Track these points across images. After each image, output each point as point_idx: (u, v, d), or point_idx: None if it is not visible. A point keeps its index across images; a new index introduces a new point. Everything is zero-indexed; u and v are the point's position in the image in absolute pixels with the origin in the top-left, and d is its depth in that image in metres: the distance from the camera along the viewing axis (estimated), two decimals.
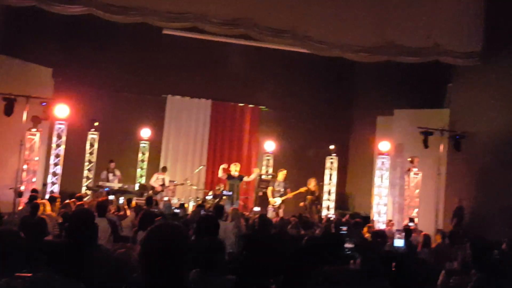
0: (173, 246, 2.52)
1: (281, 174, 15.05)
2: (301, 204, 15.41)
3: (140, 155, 17.08)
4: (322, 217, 14.75)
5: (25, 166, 13.23)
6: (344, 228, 7.18)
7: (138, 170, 17.05)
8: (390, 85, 16.17)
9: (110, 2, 12.36)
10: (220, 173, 14.71)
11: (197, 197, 15.89)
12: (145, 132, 17.03)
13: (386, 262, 5.44)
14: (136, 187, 16.17)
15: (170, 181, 15.87)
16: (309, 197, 15.41)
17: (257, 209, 13.57)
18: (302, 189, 15.03)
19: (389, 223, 13.84)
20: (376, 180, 15.86)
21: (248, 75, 17.69)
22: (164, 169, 15.89)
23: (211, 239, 4.90)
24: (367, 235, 9.96)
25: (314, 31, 13.48)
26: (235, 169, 14.53)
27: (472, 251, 3.98)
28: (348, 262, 5.42)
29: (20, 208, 11.19)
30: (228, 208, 10.67)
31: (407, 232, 10.36)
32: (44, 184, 14.33)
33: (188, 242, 2.63)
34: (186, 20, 13.06)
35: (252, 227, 9.15)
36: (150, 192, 14.90)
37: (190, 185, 16.19)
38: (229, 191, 14.33)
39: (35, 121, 13.40)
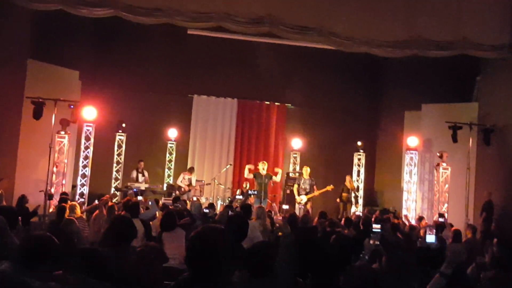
0: (216, 249, 2.64)
1: (305, 171, 15.00)
2: (338, 200, 15.44)
3: (167, 155, 17.19)
4: (350, 215, 14.63)
5: (54, 169, 13.42)
6: (378, 226, 7.06)
7: (166, 170, 17.16)
8: (418, 80, 15.97)
9: (135, 4, 12.43)
10: (246, 173, 14.72)
11: (228, 197, 15.85)
12: (172, 133, 17.13)
13: (419, 258, 5.37)
14: (164, 187, 16.27)
15: (197, 181, 15.92)
16: (344, 194, 15.40)
17: (285, 206, 13.52)
18: (329, 187, 14.99)
19: (420, 219, 13.64)
20: (405, 176, 15.68)
21: (274, 73, 17.62)
22: (191, 170, 15.92)
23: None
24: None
25: (339, 27, 13.34)
26: (262, 167, 14.51)
27: (498, 249, 3.89)
28: (375, 260, 5.36)
29: (51, 210, 11.35)
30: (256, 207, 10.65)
31: (438, 227, 10.24)
32: (74, 186, 14.53)
33: (230, 246, 2.70)
34: (211, 19, 13.05)
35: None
36: (177, 192, 14.96)
37: (218, 184, 16.22)
38: (257, 189, 14.32)
39: (64, 124, 13.58)
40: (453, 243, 9.17)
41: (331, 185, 15.03)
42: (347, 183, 15.62)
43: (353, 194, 16.32)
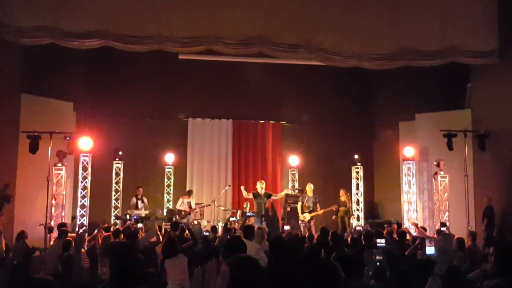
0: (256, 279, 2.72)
1: (309, 188, 15.01)
2: (334, 217, 15.37)
3: (165, 180, 17.18)
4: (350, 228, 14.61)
5: (53, 201, 13.40)
6: (382, 240, 7.03)
7: (165, 195, 17.14)
8: (410, 90, 16.09)
9: (125, 33, 12.52)
10: (245, 194, 14.75)
11: (230, 217, 15.71)
12: (169, 157, 17.14)
13: (421, 271, 5.37)
14: (164, 212, 16.24)
15: (197, 204, 15.90)
16: (341, 208, 15.38)
17: (286, 227, 13.43)
18: (333, 207, 15.06)
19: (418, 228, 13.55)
20: (404, 187, 15.70)
21: (267, 92, 17.75)
22: (189, 193, 15.90)
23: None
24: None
25: (328, 43, 13.45)
26: (261, 187, 14.52)
27: (495, 254, 3.90)
28: (379, 276, 5.34)
29: (51, 243, 11.32)
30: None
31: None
32: (73, 218, 14.49)
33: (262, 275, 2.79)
34: (201, 43, 13.14)
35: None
36: (177, 217, 14.92)
37: (218, 206, 16.21)
38: (257, 209, 14.32)
39: (60, 155, 13.59)
40: (442, 246, 9.19)
41: (335, 205, 15.15)
42: (342, 197, 15.59)
43: (353, 207, 16.32)
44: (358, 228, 13.73)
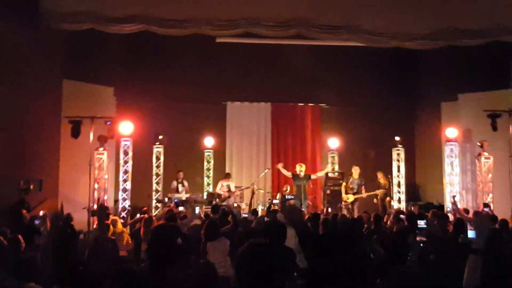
0: (263, 265, 2.63)
1: (355, 171, 14.93)
2: (375, 200, 15.26)
3: (205, 163, 17.28)
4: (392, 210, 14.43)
5: (96, 185, 13.63)
6: (422, 222, 6.88)
7: (205, 178, 17.25)
8: (452, 70, 15.69)
9: (164, 17, 12.58)
10: (284, 172, 14.68)
11: (273, 200, 15.68)
12: (209, 141, 17.22)
13: (461, 256, 5.22)
14: (204, 196, 16.35)
15: (236, 187, 15.94)
16: (381, 191, 15.24)
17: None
18: (378, 191, 14.95)
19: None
20: (446, 168, 15.39)
21: (306, 74, 17.54)
22: (228, 175, 15.95)
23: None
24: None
25: (369, 24, 13.22)
26: (299, 170, 14.45)
27: None
28: (423, 260, 5.24)
29: (94, 226, 11.54)
30: None
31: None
32: (116, 201, 14.73)
33: (278, 259, 2.72)
34: (239, 26, 13.11)
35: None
36: (217, 200, 15.00)
37: (257, 189, 16.21)
38: (296, 192, 14.27)
39: (102, 140, 13.78)
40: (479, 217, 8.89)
41: (381, 190, 15.02)
42: (380, 180, 15.45)
43: (395, 190, 16.12)
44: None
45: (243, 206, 15.09)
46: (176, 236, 4.36)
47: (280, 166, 14.89)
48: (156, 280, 3.81)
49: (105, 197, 13.79)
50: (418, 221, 7.87)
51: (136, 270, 3.82)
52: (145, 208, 11.43)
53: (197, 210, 12.10)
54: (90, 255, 7.53)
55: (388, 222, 10.63)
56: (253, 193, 13.43)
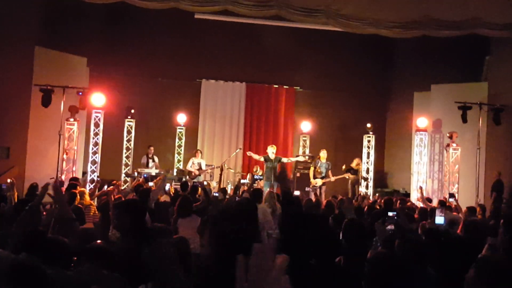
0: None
1: (323, 154, 14.99)
2: (349, 186, 15.42)
3: (177, 140, 17.20)
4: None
5: (65, 156, 13.47)
6: (392, 214, 6.97)
7: (176, 155, 17.19)
8: (427, 60, 15.91)
9: None
10: (256, 156, 14.68)
11: (241, 180, 15.74)
12: (181, 118, 17.11)
13: (429, 241, 5.32)
14: (174, 172, 16.30)
15: (207, 165, 15.93)
16: (351, 176, 15.39)
17: (296, 193, 13.46)
18: (346, 175, 15.07)
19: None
20: (415, 157, 15.64)
21: (282, 56, 17.57)
22: (197, 152, 15.88)
23: None
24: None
25: (347, 9, 13.23)
26: (271, 151, 14.47)
27: (504, 230, 3.87)
28: (390, 242, 5.32)
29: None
30: (266, 191, 10.64)
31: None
32: (84, 173, 14.57)
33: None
34: (218, 3, 12.97)
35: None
36: (187, 177, 14.98)
37: (228, 168, 16.21)
38: (267, 173, 14.29)
39: (73, 111, 13.61)
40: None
41: (348, 174, 15.16)
42: (354, 165, 15.62)
43: (363, 176, 16.31)
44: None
45: (213, 184, 15.09)
46: (144, 212, 4.38)
47: (250, 153, 14.86)
48: (130, 256, 3.80)
49: (74, 169, 13.64)
50: (389, 213, 7.95)
51: (108, 247, 3.81)
52: (114, 182, 11.30)
53: (167, 186, 12.02)
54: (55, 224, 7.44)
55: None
56: (221, 170, 13.42)
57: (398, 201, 10.61)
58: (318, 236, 4.21)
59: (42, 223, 6.17)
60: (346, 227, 5.27)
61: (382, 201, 10.37)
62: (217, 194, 10.64)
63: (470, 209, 9.28)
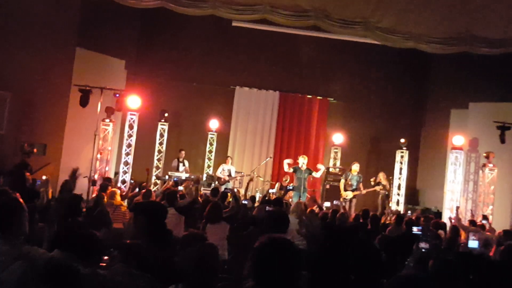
0: (283, 264, 2.64)
1: (355, 167, 14.85)
2: (379, 201, 15.20)
3: (208, 146, 17.25)
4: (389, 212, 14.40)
5: (98, 156, 13.65)
6: (418, 228, 6.85)
7: (206, 161, 17.24)
8: (466, 78, 15.61)
9: None
10: (286, 167, 14.64)
11: (269, 189, 15.71)
12: (213, 123, 17.17)
13: (461, 264, 5.18)
14: (204, 177, 16.34)
15: (237, 172, 15.93)
16: (382, 190, 15.19)
17: (327, 204, 13.34)
18: (377, 188, 14.87)
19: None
20: (449, 175, 15.34)
21: (317, 67, 17.53)
22: (228, 159, 15.89)
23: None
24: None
25: (386, 22, 13.14)
26: (302, 162, 14.41)
27: None
28: (424, 263, 5.21)
29: (93, 196, 11.54)
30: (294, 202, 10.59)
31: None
32: (116, 173, 14.75)
33: (296, 259, 2.71)
34: (256, 12, 13.04)
35: (324, 221, 9.01)
36: (216, 183, 15.00)
37: (257, 176, 16.19)
38: (296, 184, 14.22)
39: (109, 112, 13.80)
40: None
41: (381, 186, 14.95)
42: (382, 181, 15.39)
43: (394, 192, 16.10)
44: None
45: (242, 191, 15.05)
46: (164, 215, 4.37)
47: (286, 162, 14.78)
48: (158, 257, 3.81)
49: (107, 168, 13.81)
50: (414, 227, 7.80)
51: (141, 247, 3.81)
52: (144, 184, 11.41)
53: None
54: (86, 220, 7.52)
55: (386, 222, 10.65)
56: (250, 179, 13.41)
57: (422, 218, 10.45)
58: (358, 252, 4.15)
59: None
60: (387, 244, 5.16)
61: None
62: (246, 202, 10.61)
63: (507, 232, 9.04)
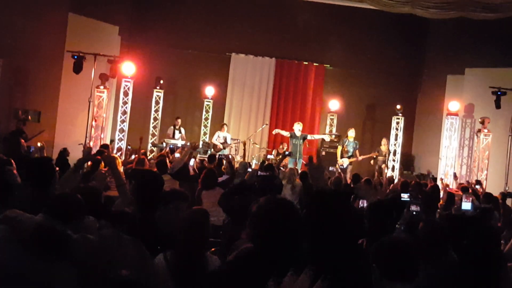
0: (283, 225, 2.55)
1: (351, 133, 14.84)
2: (371, 162, 15.24)
3: (204, 113, 17.21)
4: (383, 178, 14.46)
5: (93, 123, 13.61)
6: (405, 195, 6.86)
7: (202, 128, 17.22)
8: (462, 43, 15.50)
9: None
10: (283, 132, 14.55)
11: (267, 156, 15.73)
12: (209, 90, 17.09)
13: (454, 226, 5.22)
14: (200, 145, 16.33)
15: (233, 139, 15.92)
16: (380, 158, 15.23)
17: (331, 168, 13.31)
18: (373, 154, 14.89)
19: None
20: (444, 141, 15.38)
21: (313, 33, 17.35)
22: (223, 126, 15.84)
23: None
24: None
25: None
26: (298, 128, 14.38)
27: None
28: (415, 226, 5.25)
29: (89, 163, 11.52)
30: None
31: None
32: (112, 141, 14.74)
33: (297, 221, 2.62)
34: None
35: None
36: (212, 150, 15.00)
37: (253, 143, 16.19)
38: (292, 150, 14.22)
39: (103, 78, 13.71)
40: None
41: (376, 152, 14.96)
42: (383, 147, 15.46)
43: (390, 158, 16.14)
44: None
45: (237, 158, 15.09)
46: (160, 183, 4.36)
47: (276, 131, 14.72)
48: (146, 222, 3.83)
49: (102, 136, 13.79)
50: (402, 194, 7.81)
51: (132, 213, 3.82)
52: (143, 150, 11.40)
53: (191, 162, 11.98)
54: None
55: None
56: (244, 144, 13.36)
57: (413, 182, 10.48)
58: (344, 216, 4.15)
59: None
60: (371, 208, 5.18)
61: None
62: (250, 170, 10.57)
63: (486, 195, 9.11)
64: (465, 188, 10.48)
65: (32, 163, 5.04)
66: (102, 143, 12.52)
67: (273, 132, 14.87)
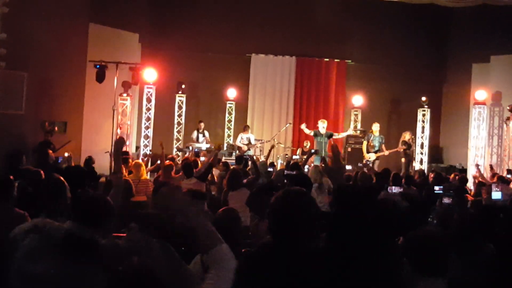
0: (300, 214, 2.55)
1: (376, 127, 14.66)
2: (403, 160, 14.99)
3: (227, 115, 17.21)
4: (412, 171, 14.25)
5: (118, 131, 13.71)
6: (440, 188, 6.72)
7: (226, 130, 17.22)
8: (486, 30, 15.22)
9: None
10: (306, 131, 14.42)
11: (286, 154, 15.75)
12: (231, 92, 17.07)
13: (486, 217, 5.09)
14: (224, 147, 16.34)
15: (257, 140, 15.87)
16: (407, 151, 15.01)
17: (348, 167, 13.20)
18: (400, 148, 14.66)
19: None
20: (472, 131, 15.12)
21: (332, 29, 17.19)
22: (246, 128, 15.81)
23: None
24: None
25: None
26: (322, 126, 14.27)
27: None
28: (448, 218, 5.13)
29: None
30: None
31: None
32: (137, 147, 14.85)
33: (314, 210, 2.62)
34: None
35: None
36: (237, 152, 14.98)
37: (278, 143, 16.11)
38: (317, 148, 14.10)
39: (126, 86, 13.83)
40: None
41: (403, 146, 14.72)
42: (407, 139, 15.18)
43: (417, 151, 15.91)
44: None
45: (262, 159, 15.02)
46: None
47: (303, 126, 14.60)
48: (178, 226, 3.78)
49: (127, 143, 13.87)
50: (435, 187, 7.67)
51: (162, 216, 3.79)
52: (170, 156, 11.43)
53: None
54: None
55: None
56: (272, 146, 13.32)
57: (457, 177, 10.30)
58: (375, 211, 4.07)
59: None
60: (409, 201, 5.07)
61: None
62: (271, 169, 10.51)
63: None
64: (502, 178, 10.27)
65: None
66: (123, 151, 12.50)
67: (301, 127, 14.66)
